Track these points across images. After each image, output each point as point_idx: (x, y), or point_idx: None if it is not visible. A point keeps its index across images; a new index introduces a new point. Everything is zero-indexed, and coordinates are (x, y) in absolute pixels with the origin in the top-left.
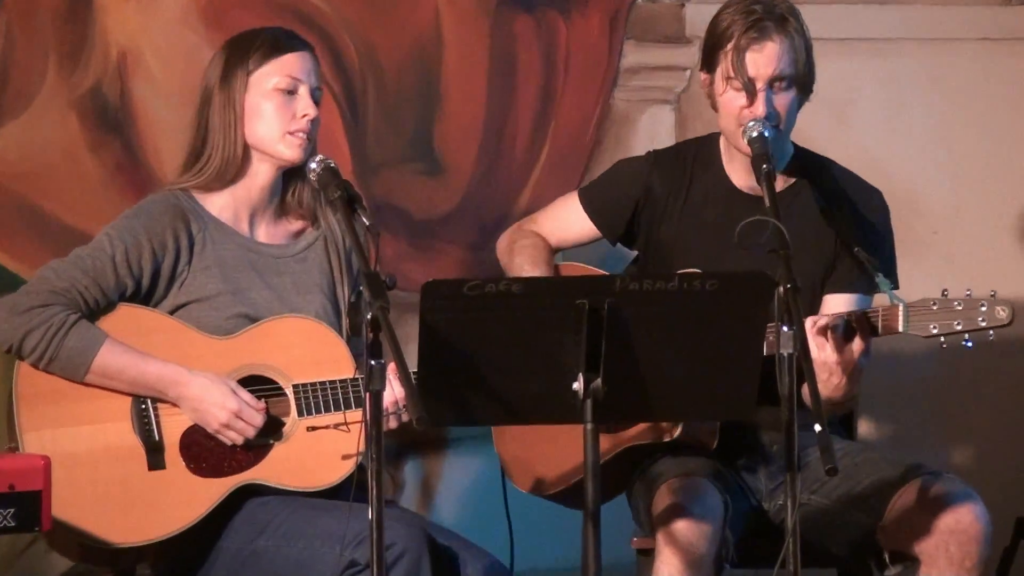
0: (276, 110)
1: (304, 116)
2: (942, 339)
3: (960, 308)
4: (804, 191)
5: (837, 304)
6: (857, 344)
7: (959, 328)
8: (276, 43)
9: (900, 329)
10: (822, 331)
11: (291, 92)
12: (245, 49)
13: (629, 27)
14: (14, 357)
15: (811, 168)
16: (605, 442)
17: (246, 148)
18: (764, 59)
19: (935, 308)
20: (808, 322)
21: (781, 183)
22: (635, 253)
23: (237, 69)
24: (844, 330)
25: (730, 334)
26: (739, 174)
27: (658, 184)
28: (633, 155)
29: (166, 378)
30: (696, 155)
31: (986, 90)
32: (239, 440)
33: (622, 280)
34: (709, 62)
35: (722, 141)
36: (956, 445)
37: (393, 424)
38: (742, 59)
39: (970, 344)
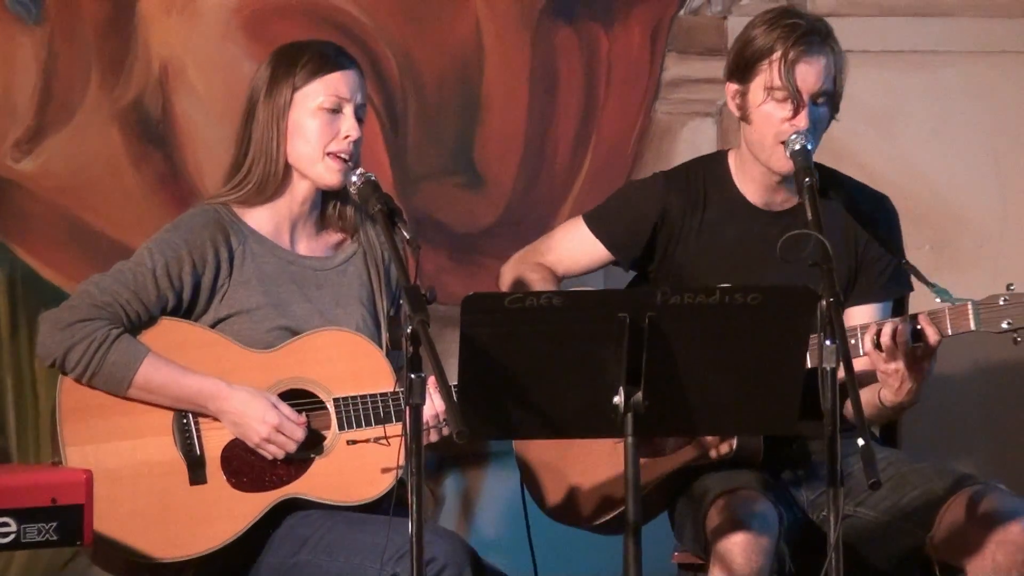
0: (319, 129)
1: (346, 137)
2: (1016, 334)
3: None
4: (820, 204)
5: (861, 315)
6: (926, 348)
7: None
8: (323, 60)
9: (972, 327)
10: (891, 339)
11: (335, 111)
12: (291, 63)
13: (671, 39)
14: (57, 372)
15: (823, 181)
16: (649, 471)
17: (287, 166)
18: (814, 73)
19: (1003, 304)
20: (870, 333)
21: (794, 198)
22: (631, 276)
23: (283, 84)
24: (911, 335)
25: (772, 348)
26: (753, 190)
27: (674, 206)
28: (630, 181)
29: (207, 392)
30: (707, 173)
31: None
32: (280, 454)
33: (663, 293)
34: (743, 73)
35: (732, 157)
36: (1005, 455)
37: (434, 437)
38: (791, 71)
39: None
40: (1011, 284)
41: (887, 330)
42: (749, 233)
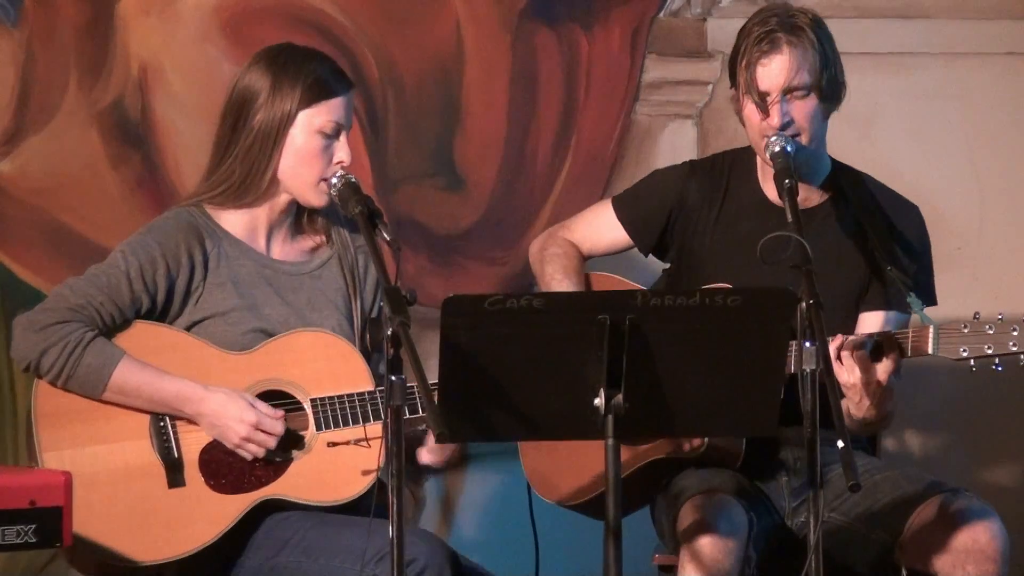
0: (316, 154)
1: (339, 163)
2: (972, 362)
3: (991, 332)
4: (840, 207)
5: (872, 322)
6: (885, 365)
7: (989, 352)
8: (326, 84)
9: (930, 351)
10: (850, 352)
11: (331, 136)
12: (295, 77)
13: (651, 41)
14: (33, 376)
15: (847, 183)
16: (627, 454)
17: (273, 178)
18: (774, 71)
19: (966, 331)
20: (833, 345)
21: (817, 198)
22: (666, 264)
23: (286, 97)
24: (872, 351)
25: (753, 350)
26: (773, 187)
27: (693, 195)
28: (658, 168)
29: (183, 395)
30: (732, 166)
31: (1011, 105)
32: (260, 453)
33: (643, 296)
34: (733, 78)
35: None
36: (979, 463)
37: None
38: (753, 74)
39: (1000, 368)
40: (978, 313)
41: (848, 344)
42: (764, 229)
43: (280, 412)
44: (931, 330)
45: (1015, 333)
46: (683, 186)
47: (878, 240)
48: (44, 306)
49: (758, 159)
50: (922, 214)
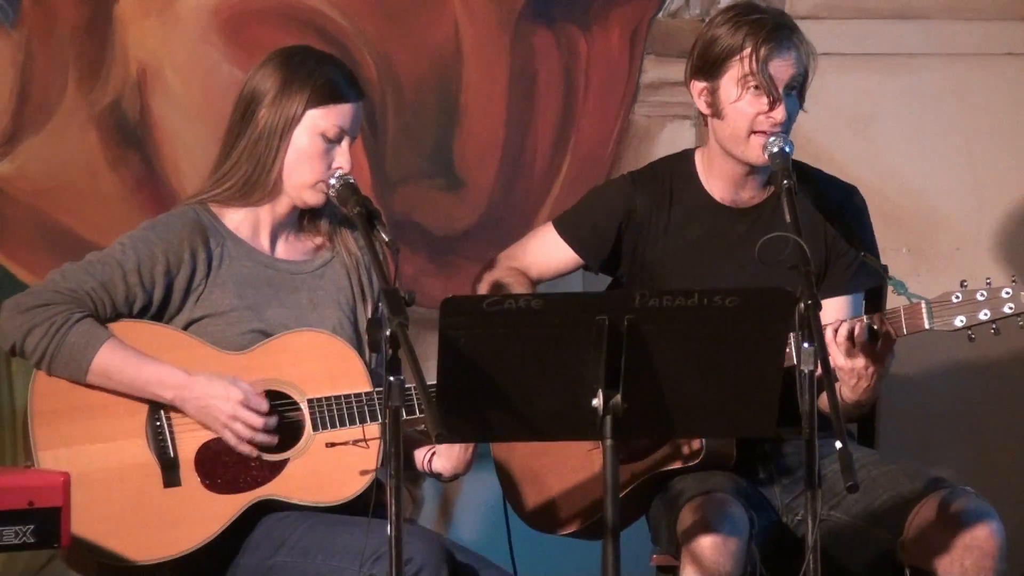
0: (317, 157)
1: (338, 168)
2: (970, 331)
3: (983, 298)
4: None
5: (833, 308)
6: (882, 347)
7: (985, 318)
8: (337, 89)
9: (926, 326)
10: (847, 338)
11: (334, 140)
12: (306, 77)
13: (649, 42)
14: (28, 373)
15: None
16: (626, 474)
17: (279, 176)
18: (786, 66)
19: (957, 301)
20: (828, 330)
21: (765, 192)
22: (608, 280)
23: (295, 96)
24: (868, 334)
25: (750, 350)
26: (720, 188)
27: (640, 205)
28: (596, 185)
29: (167, 381)
30: (673, 172)
31: (1010, 105)
32: (245, 433)
33: (642, 296)
34: (711, 70)
35: (699, 156)
36: (978, 460)
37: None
38: (766, 66)
39: (997, 332)
40: (964, 281)
41: (844, 329)
42: (715, 230)
43: (260, 392)
44: (923, 305)
45: (1007, 295)
46: (629, 198)
47: (831, 226)
48: (33, 290)
49: (698, 160)
50: (862, 194)
